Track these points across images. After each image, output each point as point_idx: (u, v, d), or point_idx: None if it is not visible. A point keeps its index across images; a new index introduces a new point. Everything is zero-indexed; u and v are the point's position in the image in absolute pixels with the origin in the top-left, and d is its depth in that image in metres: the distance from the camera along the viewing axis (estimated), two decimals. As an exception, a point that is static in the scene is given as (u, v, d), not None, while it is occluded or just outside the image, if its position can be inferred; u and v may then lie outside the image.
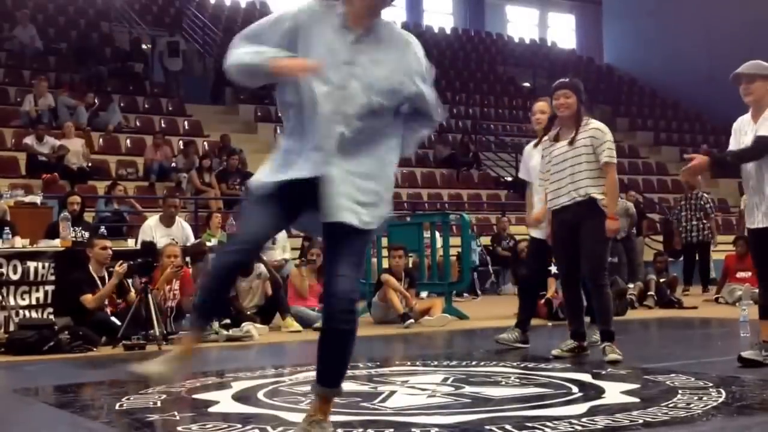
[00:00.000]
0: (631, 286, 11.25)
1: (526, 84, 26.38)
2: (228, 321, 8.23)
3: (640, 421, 3.78)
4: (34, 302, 7.94)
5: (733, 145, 5.66)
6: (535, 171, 6.76)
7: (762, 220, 5.43)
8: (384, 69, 3.29)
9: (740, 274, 11.85)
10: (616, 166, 6.03)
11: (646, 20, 28.30)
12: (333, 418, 3.95)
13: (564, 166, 6.05)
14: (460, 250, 11.03)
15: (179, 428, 3.88)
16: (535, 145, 6.80)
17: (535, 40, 31.84)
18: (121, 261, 7.69)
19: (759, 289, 5.71)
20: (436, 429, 3.73)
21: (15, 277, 7.85)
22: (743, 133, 5.57)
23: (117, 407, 4.43)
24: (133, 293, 7.77)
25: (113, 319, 7.56)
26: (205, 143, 16.64)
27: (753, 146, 5.40)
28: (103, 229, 9.07)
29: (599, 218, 5.92)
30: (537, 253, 6.98)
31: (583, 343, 6.23)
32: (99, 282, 7.77)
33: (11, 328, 7.53)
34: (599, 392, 4.61)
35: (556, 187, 6.11)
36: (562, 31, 33.74)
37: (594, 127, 6.06)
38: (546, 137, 6.34)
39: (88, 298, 7.64)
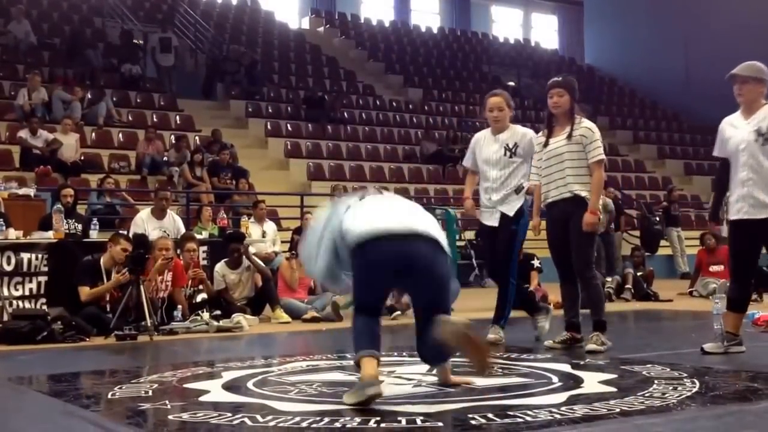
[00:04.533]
0: (609, 279, 11.40)
1: (511, 83, 26.45)
2: (219, 312, 8.35)
3: (617, 410, 3.83)
4: (27, 293, 8.02)
5: (718, 144, 5.72)
6: None
7: None
8: None
9: (713, 268, 12.02)
10: (603, 164, 6.09)
11: (626, 23, 28.56)
12: (320, 407, 4.05)
13: (554, 161, 6.13)
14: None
15: (170, 417, 3.90)
16: None
17: (519, 40, 31.96)
18: (124, 270, 7.67)
19: (730, 283, 5.83)
20: (422, 418, 3.76)
21: (8, 268, 7.94)
22: (734, 126, 5.63)
23: (109, 396, 4.47)
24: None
25: (108, 315, 7.61)
26: (197, 138, 16.69)
27: None
28: (95, 222, 9.15)
29: (585, 214, 6.00)
30: None
31: (576, 335, 6.21)
32: (105, 275, 7.86)
33: (5, 318, 7.62)
34: (578, 382, 4.67)
35: (547, 181, 6.21)
36: (545, 32, 33.96)
37: (585, 126, 6.11)
38: (540, 133, 6.37)
39: (84, 290, 7.74)
